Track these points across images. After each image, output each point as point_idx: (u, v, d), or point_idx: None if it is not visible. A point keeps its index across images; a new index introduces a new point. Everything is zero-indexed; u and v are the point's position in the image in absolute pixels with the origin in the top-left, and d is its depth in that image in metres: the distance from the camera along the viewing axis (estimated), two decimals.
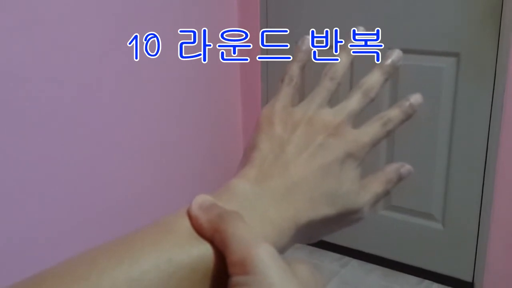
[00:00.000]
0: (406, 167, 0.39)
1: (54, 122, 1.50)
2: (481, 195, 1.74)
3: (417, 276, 1.92)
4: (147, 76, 1.77)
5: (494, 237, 1.75)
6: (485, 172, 1.72)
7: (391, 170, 0.38)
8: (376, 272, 1.97)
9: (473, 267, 1.81)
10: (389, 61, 0.39)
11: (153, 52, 1.77)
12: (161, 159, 1.88)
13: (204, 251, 0.28)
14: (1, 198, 1.40)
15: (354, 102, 0.37)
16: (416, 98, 0.39)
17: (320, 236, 0.36)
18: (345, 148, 0.35)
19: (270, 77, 2.11)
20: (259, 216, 0.31)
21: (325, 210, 0.33)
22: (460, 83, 1.70)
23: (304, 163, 0.34)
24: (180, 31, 1.86)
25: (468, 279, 1.83)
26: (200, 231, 0.28)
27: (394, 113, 0.38)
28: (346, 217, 0.35)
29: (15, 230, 1.44)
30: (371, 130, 0.37)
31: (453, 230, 1.83)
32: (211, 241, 0.28)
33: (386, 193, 0.38)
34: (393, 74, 0.39)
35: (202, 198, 0.30)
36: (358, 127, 0.37)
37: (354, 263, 2.03)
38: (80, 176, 1.60)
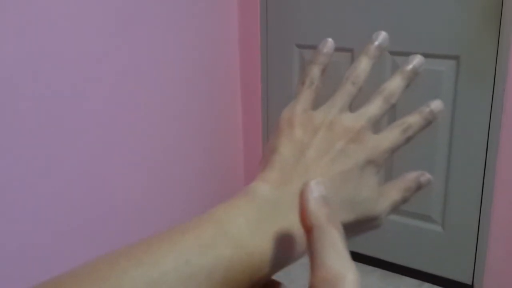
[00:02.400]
0: (426, 176, 0.38)
1: (53, 123, 1.49)
2: (480, 197, 1.74)
3: (417, 279, 1.92)
4: (147, 76, 1.76)
5: (494, 240, 1.75)
6: (485, 174, 1.71)
7: (410, 178, 0.38)
8: (375, 274, 1.97)
9: (472, 270, 1.81)
10: (410, 67, 0.39)
11: (153, 52, 1.77)
12: (161, 159, 1.88)
13: (222, 253, 0.28)
14: (1, 198, 1.40)
15: (375, 107, 0.37)
16: (436, 105, 0.38)
17: None
18: (365, 154, 0.35)
19: (270, 77, 2.10)
20: (279, 221, 0.31)
21: (343, 216, 0.33)
22: (460, 85, 1.69)
23: (324, 169, 0.34)
24: (180, 31, 1.86)
25: (468, 281, 1.83)
26: (301, 216, 0.27)
27: (414, 120, 0.37)
28: (364, 224, 0.35)
29: (15, 231, 1.44)
30: (391, 136, 0.36)
31: (452, 233, 1.83)
32: (305, 229, 0.27)
33: (404, 201, 0.38)
34: (414, 80, 0.39)
35: (318, 185, 0.28)
36: (376, 131, 0.37)
37: None
38: (80, 177, 1.60)
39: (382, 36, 0.41)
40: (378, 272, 1.98)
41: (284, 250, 0.30)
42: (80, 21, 1.53)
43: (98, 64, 1.60)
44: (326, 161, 0.34)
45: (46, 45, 1.45)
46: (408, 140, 0.37)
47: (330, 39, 0.41)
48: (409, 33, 1.73)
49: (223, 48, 2.09)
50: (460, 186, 1.77)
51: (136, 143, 1.77)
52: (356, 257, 2.04)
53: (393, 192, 0.37)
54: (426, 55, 1.72)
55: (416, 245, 1.91)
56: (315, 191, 0.28)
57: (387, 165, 1.74)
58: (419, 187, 0.38)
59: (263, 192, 0.32)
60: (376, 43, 0.40)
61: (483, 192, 1.73)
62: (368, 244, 2.00)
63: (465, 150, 1.73)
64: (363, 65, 0.39)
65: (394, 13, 1.75)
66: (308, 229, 0.27)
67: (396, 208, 0.37)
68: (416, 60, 0.39)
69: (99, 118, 1.63)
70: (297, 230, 0.31)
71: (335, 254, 0.25)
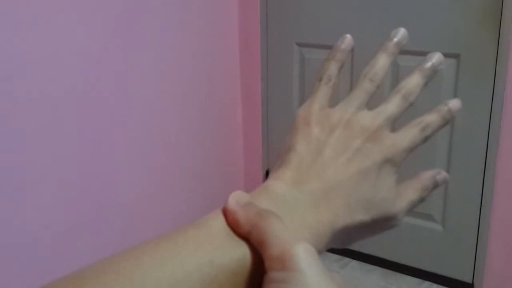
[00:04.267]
0: (443, 175, 0.38)
1: (53, 122, 1.49)
2: (481, 195, 1.74)
3: (417, 277, 1.92)
4: (146, 76, 1.76)
5: (494, 238, 1.75)
6: (485, 173, 1.72)
7: (427, 177, 0.38)
8: (376, 273, 1.97)
9: (473, 268, 1.81)
10: (429, 64, 0.38)
11: (153, 52, 1.77)
12: (161, 159, 1.88)
13: (244, 253, 0.28)
14: (1, 198, 1.40)
15: (393, 106, 0.36)
16: (454, 104, 0.38)
17: (353, 242, 0.35)
18: (383, 153, 0.34)
19: (270, 77, 2.11)
20: (297, 220, 0.31)
21: (360, 216, 0.33)
22: (460, 84, 1.70)
23: (341, 168, 0.33)
24: (180, 31, 1.86)
25: (468, 280, 1.83)
26: (235, 227, 0.28)
27: (432, 118, 0.37)
28: (381, 224, 0.35)
29: (15, 230, 1.44)
30: (409, 135, 0.36)
31: (453, 231, 1.83)
32: (247, 238, 0.28)
33: (421, 201, 0.37)
34: (433, 77, 0.38)
35: (239, 195, 0.30)
36: (394, 131, 0.36)
37: (354, 264, 2.03)
38: (80, 177, 1.60)
39: (401, 33, 0.40)
40: (378, 270, 1.98)
41: None
42: (80, 22, 1.53)
43: (98, 64, 1.60)
44: (343, 160, 0.34)
45: (45, 45, 1.45)
46: (426, 139, 0.37)
47: (348, 35, 0.40)
48: (409, 31, 1.72)
49: (223, 48, 2.09)
50: (461, 184, 1.77)
51: (136, 143, 1.77)
52: (357, 255, 2.04)
53: (410, 192, 0.36)
54: (426, 53, 1.73)
55: (416, 244, 1.91)
56: (232, 203, 0.29)
57: None
58: (435, 186, 0.38)
59: (281, 192, 0.32)
60: (395, 39, 0.40)
61: (483, 191, 1.73)
62: (368, 243, 2.00)
63: (465, 148, 1.74)
64: (381, 62, 0.38)
65: (394, 11, 1.75)
66: (247, 235, 0.28)
67: (413, 208, 0.37)
68: (435, 58, 0.39)
69: (99, 118, 1.63)
70: (315, 229, 0.31)
71: (277, 238, 0.26)
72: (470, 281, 1.83)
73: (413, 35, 1.66)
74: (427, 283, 1.90)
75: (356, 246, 2.03)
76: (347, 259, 2.04)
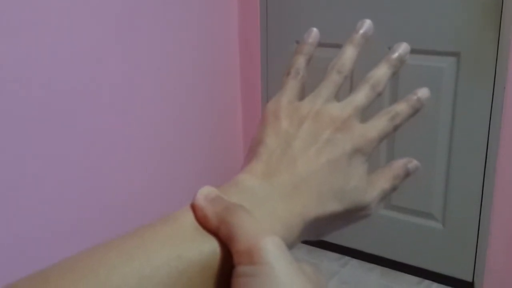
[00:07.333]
0: (414, 163, 0.38)
1: (54, 122, 1.50)
2: (481, 195, 1.74)
3: (417, 276, 1.92)
4: (147, 76, 1.77)
5: (494, 237, 1.75)
6: (485, 172, 1.72)
7: (398, 165, 0.38)
8: (376, 272, 1.97)
9: (473, 267, 1.81)
10: (396, 55, 0.39)
11: (153, 51, 1.77)
12: (161, 159, 1.88)
13: (214, 247, 0.27)
14: (1, 198, 1.40)
15: (361, 96, 0.36)
16: (423, 92, 0.38)
17: (327, 233, 0.35)
18: (353, 143, 0.34)
19: (270, 77, 2.11)
20: (268, 213, 0.30)
21: (332, 206, 0.33)
22: (460, 82, 1.70)
23: (312, 159, 0.33)
24: (180, 31, 1.86)
25: (468, 279, 1.83)
26: (204, 223, 0.28)
27: (402, 108, 0.37)
28: (354, 214, 0.35)
29: (15, 230, 1.44)
30: (378, 124, 0.36)
31: (453, 230, 1.83)
32: (216, 233, 0.28)
33: (394, 189, 0.37)
34: (400, 68, 0.39)
35: (208, 190, 0.30)
36: (364, 121, 0.36)
37: (354, 262, 2.03)
38: (80, 177, 1.60)
39: (366, 25, 0.40)
40: (378, 269, 1.98)
41: None
42: (80, 22, 1.53)
43: (98, 65, 1.60)
44: (313, 151, 0.34)
45: (45, 46, 1.45)
46: (395, 128, 0.37)
47: (315, 29, 0.41)
48: (409, 30, 1.74)
49: (223, 48, 2.09)
50: (461, 183, 1.77)
51: (136, 143, 1.78)
52: (357, 254, 2.04)
53: (382, 181, 0.36)
54: (426, 52, 1.74)
55: (416, 243, 1.92)
56: (200, 198, 0.29)
57: (387, 163, 1.73)
58: (407, 174, 0.38)
59: (252, 185, 0.32)
60: (361, 31, 0.40)
61: (484, 189, 1.74)
62: (368, 242, 2.01)
63: (465, 147, 1.74)
64: (348, 54, 0.39)
65: (395, 10, 1.76)
66: (216, 230, 0.27)
67: (386, 197, 0.37)
68: (402, 48, 0.39)
69: (99, 118, 1.63)
70: (286, 221, 0.31)
71: (244, 232, 0.26)
72: (471, 280, 1.83)
73: (413, 34, 1.67)
74: (427, 281, 1.90)
75: (356, 245, 2.04)
76: (347, 258, 2.05)
